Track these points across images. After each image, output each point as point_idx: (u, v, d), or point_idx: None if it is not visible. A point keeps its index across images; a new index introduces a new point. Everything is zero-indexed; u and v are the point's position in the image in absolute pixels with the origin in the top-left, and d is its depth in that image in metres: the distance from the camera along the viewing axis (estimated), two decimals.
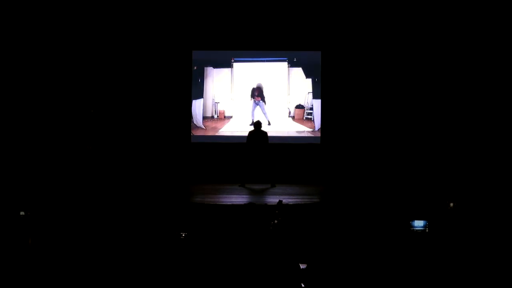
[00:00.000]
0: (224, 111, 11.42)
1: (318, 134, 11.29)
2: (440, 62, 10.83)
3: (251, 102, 11.38)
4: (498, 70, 10.48)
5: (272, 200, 8.38)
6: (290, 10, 11.10)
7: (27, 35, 10.65)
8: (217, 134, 11.37)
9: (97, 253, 4.47)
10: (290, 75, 11.38)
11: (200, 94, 11.40)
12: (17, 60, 10.63)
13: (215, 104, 11.42)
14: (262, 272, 4.09)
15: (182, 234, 4.85)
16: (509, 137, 10.13)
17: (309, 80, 11.35)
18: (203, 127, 11.39)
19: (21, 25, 10.64)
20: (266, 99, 11.36)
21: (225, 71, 11.44)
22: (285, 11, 11.11)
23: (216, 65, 11.44)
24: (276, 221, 5.18)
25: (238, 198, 8.92)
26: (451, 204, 5.97)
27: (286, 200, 8.65)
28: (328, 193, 9.73)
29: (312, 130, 11.31)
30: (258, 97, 11.29)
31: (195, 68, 11.39)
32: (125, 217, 6.47)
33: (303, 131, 11.33)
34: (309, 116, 11.33)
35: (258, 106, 11.34)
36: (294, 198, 8.87)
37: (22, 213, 5.94)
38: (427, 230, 5.47)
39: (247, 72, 11.41)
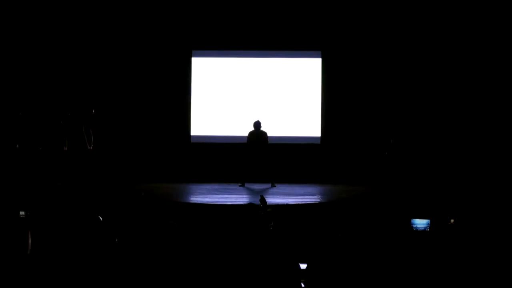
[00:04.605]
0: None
1: (318, 134, 11.28)
2: (441, 61, 10.84)
3: None
4: (501, 73, 10.47)
5: (272, 200, 8.38)
6: (290, 10, 11.10)
7: (28, 37, 10.68)
8: (216, 134, 11.35)
9: (97, 253, 4.47)
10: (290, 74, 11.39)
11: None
12: (19, 61, 10.66)
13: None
14: (262, 272, 4.09)
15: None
16: None
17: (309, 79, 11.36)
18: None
19: (23, 26, 10.66)
20: (266, 99, 11.37)
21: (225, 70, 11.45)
22: (285, 11, 11.10)
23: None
24: (272, 223, 5.17)
25: (238, 198, 8.92)
26: (452, 220, 5.88)
27: (286, 200, 8.66)
28: (328, 193, 9.73)
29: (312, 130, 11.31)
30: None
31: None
32: (124, 217, 6.47)
33: (303, 131, 11.31)
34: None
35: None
36: (294, 198, 8.87)
37: (22, 213, 5.94)
38: (427, 229, 5.45)
39: (247, 71, 11.41)
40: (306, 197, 9.11)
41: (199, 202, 8.55)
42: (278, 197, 8.99)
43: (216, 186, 10.30)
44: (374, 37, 11.06)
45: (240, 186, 10.24)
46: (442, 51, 10.83)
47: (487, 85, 10.61)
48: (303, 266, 4.25)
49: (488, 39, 10.62)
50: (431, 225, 5.50)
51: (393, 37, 11.02)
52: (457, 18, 10.73)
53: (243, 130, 10.85)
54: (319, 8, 11.10)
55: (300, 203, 8.44)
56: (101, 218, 4.63)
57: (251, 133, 10.37)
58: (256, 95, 11.35)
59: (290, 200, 8.67)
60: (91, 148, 10.66)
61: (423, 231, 5.46)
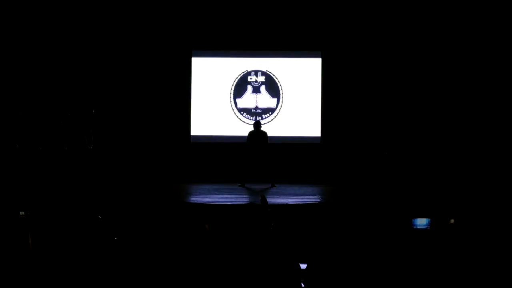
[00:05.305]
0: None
1: (318, 134, 11.28)
2: (440, 62, 10.84)
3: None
4: (501, 73, 10.46)
5: (272, 200, 8.38)
6: (290, 10, 11.09)
7: (28, 37, 10.69)
8: (216, 134, 11.34)
9: (97, 253, 4.47)
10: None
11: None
12: (19, 61, 10.66)
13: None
14: (262, 272, 4.09)
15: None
16: None
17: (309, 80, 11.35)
18: None
19: (23, 26, 10.66)
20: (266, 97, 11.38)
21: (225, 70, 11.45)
22: (285, 11, 11.09)
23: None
24: (272, 223, 5.17)
25: (238, 198, 8.92)
26: (452, 221, 5.86)
27: (286, 200, 8.66)
28: (329, 193, 9.73)
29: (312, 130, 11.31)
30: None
31: None
32: (124, 217, 6.48)
33: (303, 131, 11.30)
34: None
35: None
36: (294, 198, 8.87)
37: (22, 213, 5.94)
38: (428, 228, 5.44)
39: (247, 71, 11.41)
40: (306, 197, 9.10)
41: (199, 202, 8.54)
42: (278, 197, 8.99)
43: (216, 186, 10.30)
44: (374, 38, 11.06)
45: (240, 186, 10.23)
46: (441, 52, 10.83)
47: (487, 85, 10.61)
48: (303, 266, 4.25)
49: (488, 39, 10.61)
50: (431, 224, 5.50)
51: (392, 37, 11.01)
52: (457, 18, 10.72)
53: (243, 130, 10.85)
54: (319, 8, 11.09)
55: (300, 203, 8.44)
56: (100, 217, 4.64)
57: (251, 133, 10.36)
58: (255, 94, 11.36)
59: (290, 200, 8.67)
60: (91, 148, 10.66)
61: (424, 230, 5.46)
